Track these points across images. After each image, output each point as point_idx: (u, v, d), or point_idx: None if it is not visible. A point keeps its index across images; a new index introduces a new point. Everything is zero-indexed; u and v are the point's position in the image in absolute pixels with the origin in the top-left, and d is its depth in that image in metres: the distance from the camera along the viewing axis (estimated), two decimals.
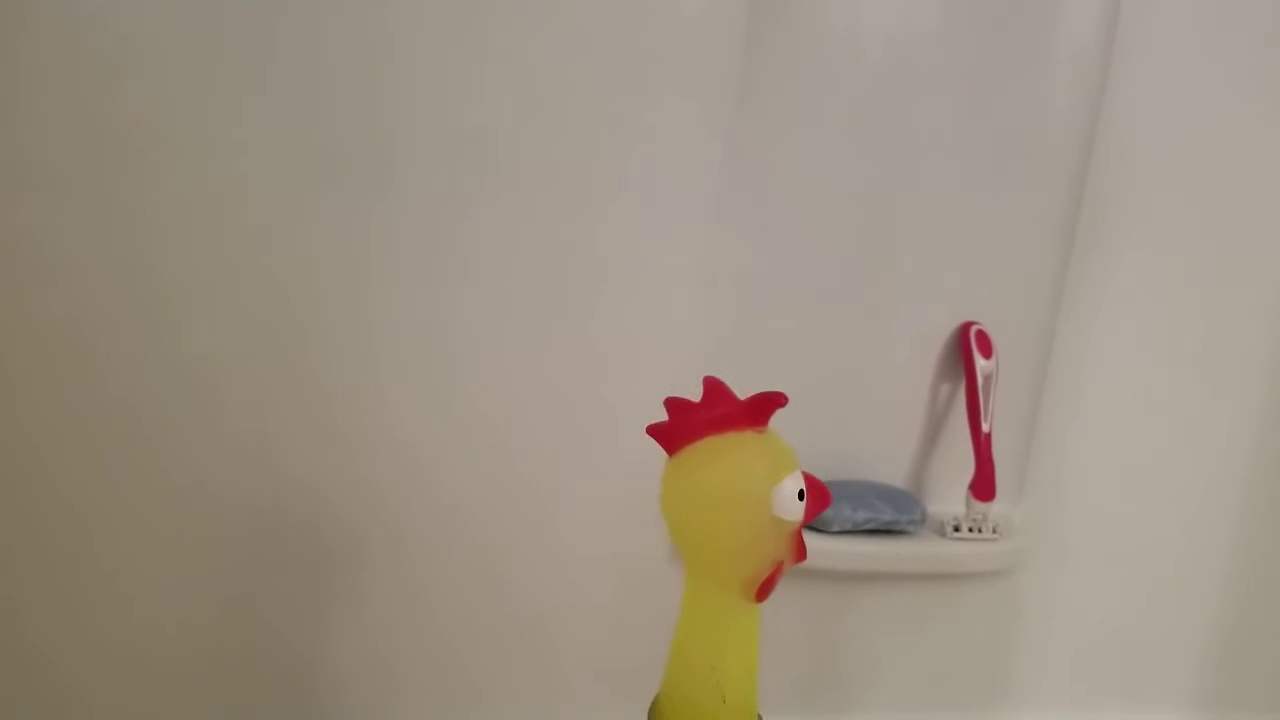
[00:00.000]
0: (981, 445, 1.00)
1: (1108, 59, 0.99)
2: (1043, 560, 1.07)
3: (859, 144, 0.95)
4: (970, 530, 1.00)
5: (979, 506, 1.00)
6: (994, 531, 1.01)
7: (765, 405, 0.63)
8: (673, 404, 0.64)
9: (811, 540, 0.92)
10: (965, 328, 1.00)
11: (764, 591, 0.64)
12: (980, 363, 0.99)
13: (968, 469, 1.00)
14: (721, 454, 0.63)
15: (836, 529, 0.95)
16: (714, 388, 0.64)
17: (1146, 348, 1.07)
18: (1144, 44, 0.99)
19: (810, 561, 0.94)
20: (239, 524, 0.86)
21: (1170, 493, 1.11)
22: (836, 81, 0.94)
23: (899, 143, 0.96)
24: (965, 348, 1.00)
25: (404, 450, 0.88)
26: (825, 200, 0.96)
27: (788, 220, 0.96)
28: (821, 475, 0.96)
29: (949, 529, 1.00)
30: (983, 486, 1.00)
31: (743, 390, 0.93)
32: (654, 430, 0.64)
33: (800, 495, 0.63)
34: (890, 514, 0.97)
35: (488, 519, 0.91)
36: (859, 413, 1.00)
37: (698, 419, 0.63)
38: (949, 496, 1.02)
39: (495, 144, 0.85)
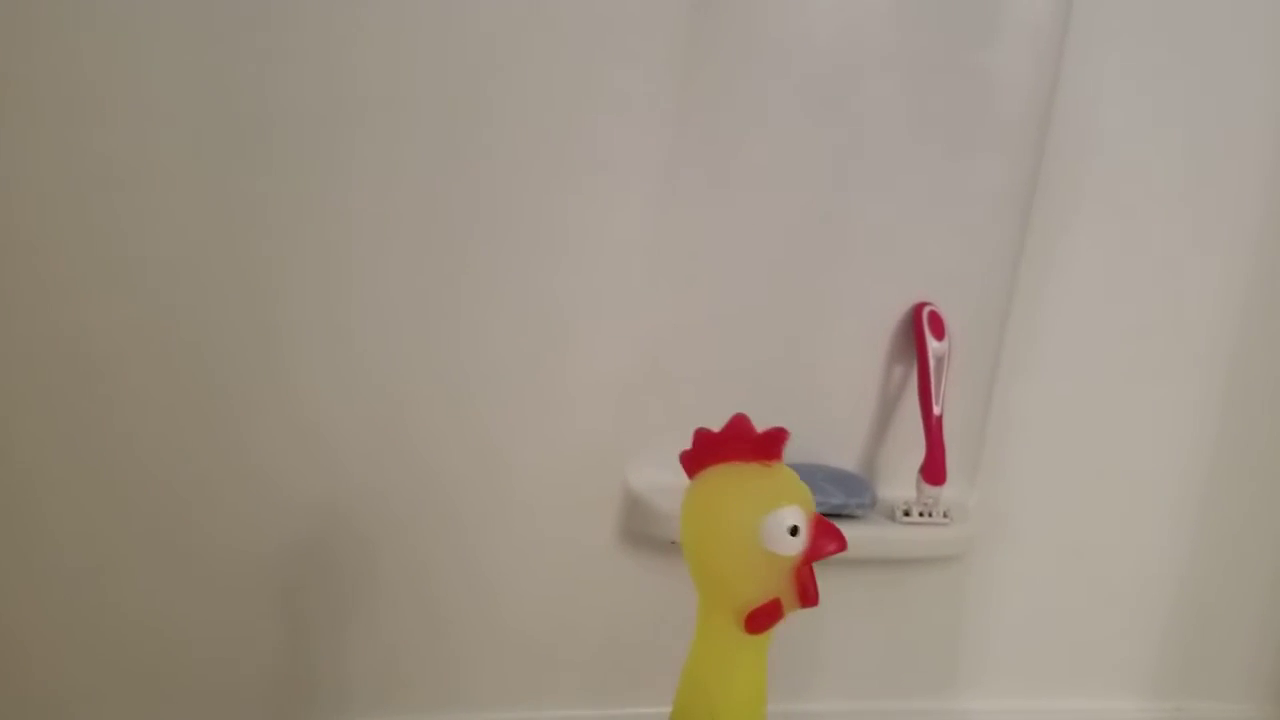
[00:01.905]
0: (933, 428, 0.98)
1: (1064, 33, 0.98)
2: (995, 545, 1.06)
3: (809, 119, 0.93)
4: (921, 515, 0.99)
5: (930, 490, 0.99)
6: (945, 516, 1.00)
7: (771, 439, 0.66)
8: (697, 433, 0.68)
9: None
10: (918, 308, 0.99)
11: (753, 623, 0.65)
12: (932, 344, 0.98)
13: (919, 453, 0.99)
14: (721, 480, 0.67)
15: None
16: (737, 423, 0.67)
17: (1104, 329, 1.06)
18: (1100, 17, 0.98)
19: None
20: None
21: (1126, 477, 1.10)
22: (786, 55, 0.92)
23: (850, 119, 0.94)
24: (918, 329, 0.98)
25: (306, 429, 0.85)
26: (775, 177, 0.94)
27: (736, 197, 0.93)
28: None
29: (899, 513, 0.99)
30: (933, 470, 0.98)
31: (688, 370, 0.92)
32: (681, 456, 0.68)
33: (794, 531, 0.63)
34: (840, 498, 0.95)
35: (423, 503, 0.89)
36: (809, 394, 0.98)
37: (712, 447, 0.67)
38: (900, 480, 1.01)
39: (438, 113, 0.82)
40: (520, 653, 0.94)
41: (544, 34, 0.84)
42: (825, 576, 0.97)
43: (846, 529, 0.95)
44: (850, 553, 0.97)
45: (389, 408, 0.86)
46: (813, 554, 0.65)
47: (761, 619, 0.64)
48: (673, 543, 0.91)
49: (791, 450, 0.95)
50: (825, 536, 0.65)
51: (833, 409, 1.00)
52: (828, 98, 0.93)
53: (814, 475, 0.95)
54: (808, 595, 0.65)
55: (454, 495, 0.89)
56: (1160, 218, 1.05)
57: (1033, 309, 1.03)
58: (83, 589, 0.81)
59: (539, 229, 0.87)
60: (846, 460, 1.01)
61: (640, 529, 0.93)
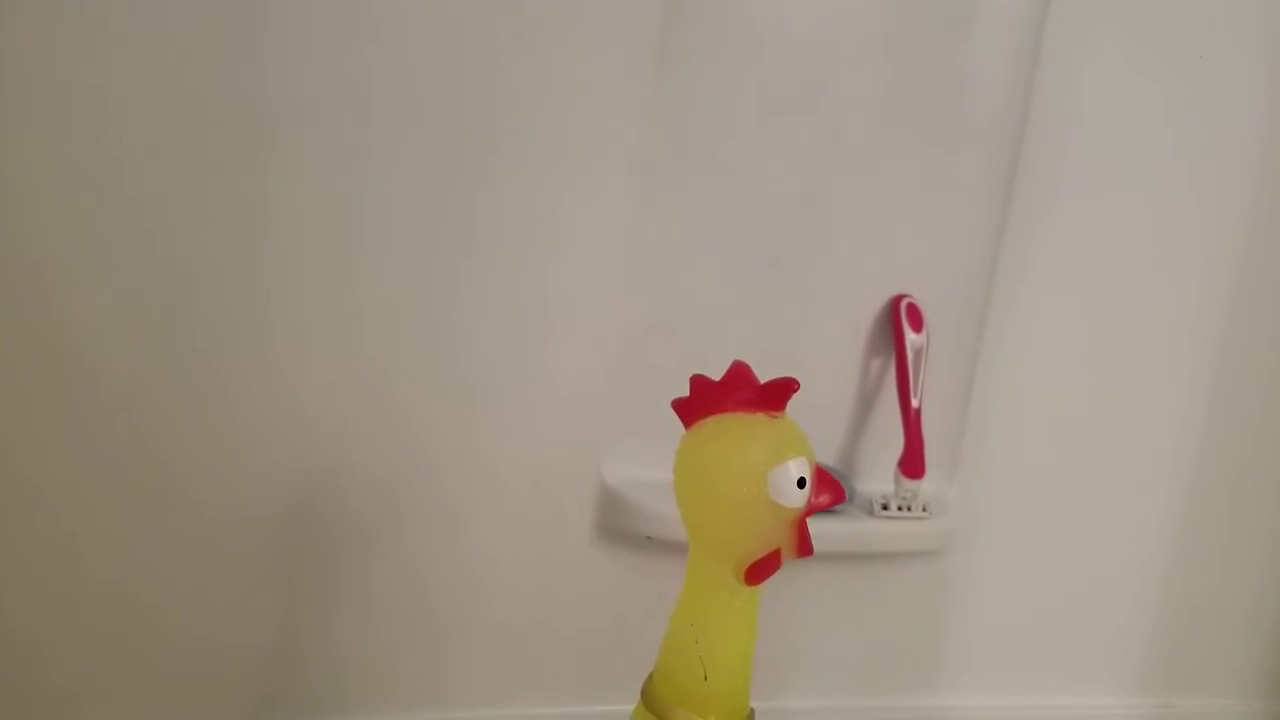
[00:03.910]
0: (911, 421, 0.97)
1: (1042, 23, 0.97)
2: (975, 540, 1.05)
3: (786, 112, 0.92)
4: (899, 509, 0.98)
5: (908, 484, 0.98)
6: (924, 510, 0.99)
7: (780, 389, 0.65)
8: (694, 380, 0.66)
9: None
10: (896, 301, 0.98)
11: (754, 575, 0.64)
12: (910, 337, 0.97)
13: (897, 446, 0.98)
14: (727, 431, 0.64)
15: None
16: (738, 370, 0.66)
17: (1083, 321, 1.06)
18: (1078, 8, 0.97)
19: None
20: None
21: (1108, 470, 1.10)
22: (761, 47, 0.91)
23: (828, 111, 0.93)
24: (895, 321, 0.97)
25: (308, 423, 0.84)
26: (751, 170, 0.93)
27: (712, 191, 0.92)
28: None
29: (877, 507, 0.98)
30: (912, 463, 0.97)
31: (664, 365, 0.91)
32: (676, 404, 0.66)
33: (801, 483, 0.63)
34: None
35: (400, 499, 0.87)
36: None
37: (714, 396, 0.65)
38: (878, 474, 1.00)
39: (410, 104, 0.81)
40: (494, 649, 0.93)
41: (515, 29, 0.83)
42: (803, 571, 0.97)
43: (824, 523, 0.96)
44: (828, 548, 0.97)
45: (367, 399, 0.85)
46: (816, 505, 0.64)
47: (762, 570, 0.64)
48: (649, 538, 0.91)
49: None
50: (825, 487, 0.65)
51: (810, 402, 0.97)
52: (804, 90, 0.92)
53: None
54: (805, 545, 0.64)
55: (430, 488, 0.88)
56: (1139, 209, 1.04)
57: (1012, 301, 1.02)
58: (68, 566, 0.80)
59: (516, 223, 0.86)
60: (824, 454, 0.99)
61: (616, 524, 0.92)
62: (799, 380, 0.65)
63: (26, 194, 0.74)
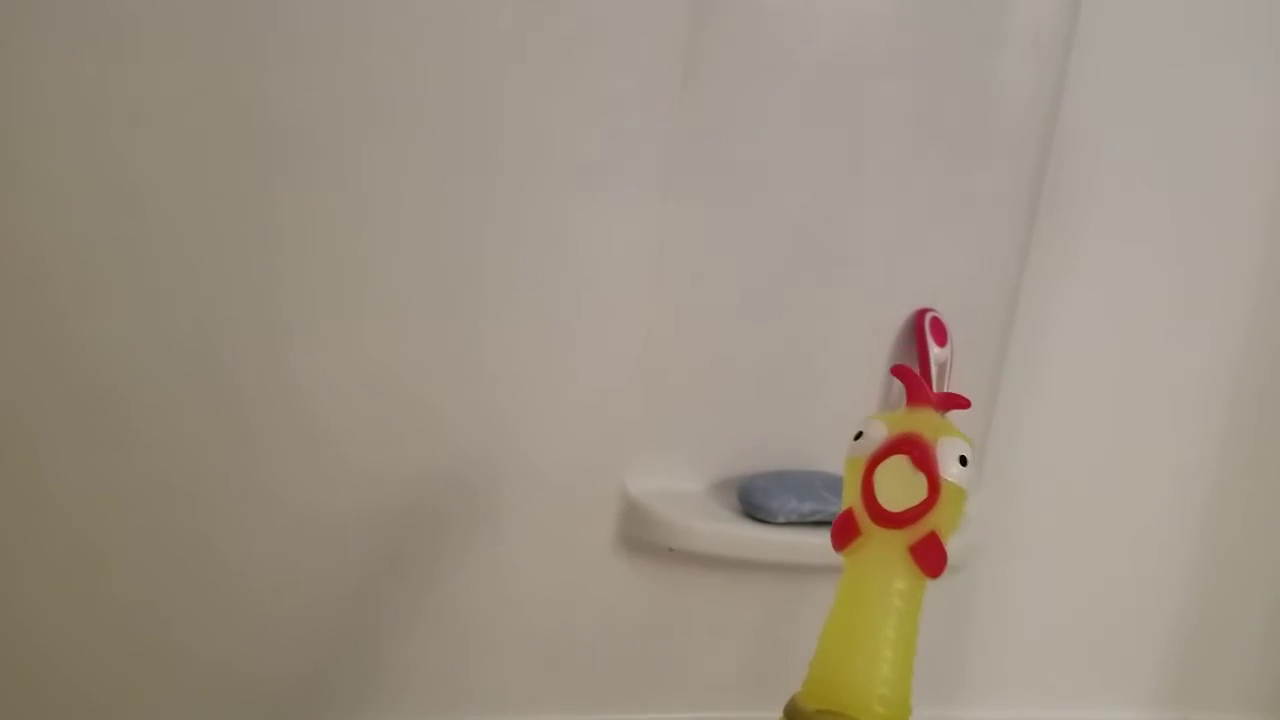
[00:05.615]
0: None
1: (1069, 38, 0.97)
2: (998, 554, 1.05)
3: (812, 124, 0.92)
4: None
5: None
6: None
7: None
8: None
9: (756, 532, 0.92)
10: (920, 314, 0.98)
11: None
12: (934, 350, 0.97)
13: None
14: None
15: (782, 520, 0.92)
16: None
17: (1108, 336, 1.05)
18: (1106, 23, 0.97)
19: (755, 553, 0.93)
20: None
21: (1132, 486, 1.10)
22: (786, 60, 0.91)
23: (852, 124, 0.93)
24: (919, 335, 0.97)
25: (330, 434, 0.84)
26: (777, 181, 0.93)
27: (735, 201, 0.92)
28: (769, 465, 0.96)
29: None
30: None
31: (687, 378, 0.91)
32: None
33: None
34: (838, 505, 0.93)
35: (422, 508, 0.88)
36: (808, 401, 0.97)
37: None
38: None
39: (444, 119, 0.81)
40: (515, 658, 0.93)
41: (544, 40, 0.83)
42: (824, 584, 0.97)
43: None
44: None
45: (391, 408, 0.85)
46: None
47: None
48: (670, 549, 0.91)
49: (791, 456, 0.95)
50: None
51: (834, 415, 0.98)
52: (830, 102, 0.92)
53: (813, 482, 0.95)
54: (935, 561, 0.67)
55: (453, 497, 0.88)
56: (1167, 223, 1.04)
57: (1037, 316, 1.02)
58: (90, 580, 0.81)
59: (541, 234, 0.86)
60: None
61: (638, 535, 0.92)
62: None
63: (48, 211, 0.75)
